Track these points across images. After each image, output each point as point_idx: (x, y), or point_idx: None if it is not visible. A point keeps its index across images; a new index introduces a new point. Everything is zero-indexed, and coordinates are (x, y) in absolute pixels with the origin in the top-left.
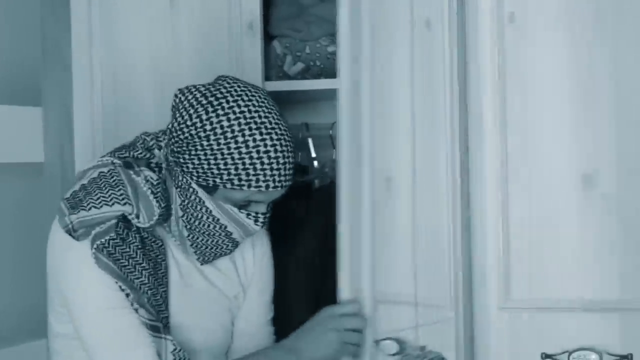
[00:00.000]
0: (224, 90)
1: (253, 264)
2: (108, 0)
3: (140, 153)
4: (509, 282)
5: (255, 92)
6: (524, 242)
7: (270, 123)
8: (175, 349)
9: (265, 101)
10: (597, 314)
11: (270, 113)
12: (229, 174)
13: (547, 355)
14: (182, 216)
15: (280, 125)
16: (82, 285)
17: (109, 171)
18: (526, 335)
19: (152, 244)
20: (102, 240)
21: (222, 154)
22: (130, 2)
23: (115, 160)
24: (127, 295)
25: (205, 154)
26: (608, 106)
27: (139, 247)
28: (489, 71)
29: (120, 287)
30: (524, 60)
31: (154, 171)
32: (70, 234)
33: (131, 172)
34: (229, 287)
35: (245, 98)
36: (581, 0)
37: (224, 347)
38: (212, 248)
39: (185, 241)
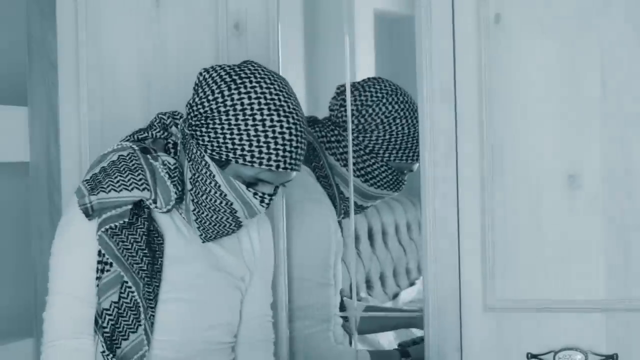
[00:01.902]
0: (247, 72)
1: (260, 248)
2: None
3: (158, 132)
4: (494, 283)
5: (277, 78)
6: (508, 242)
7: (289, 107)
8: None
9: (286, 87)
10: (582, 314)
11: (289, 99)
12: (242, 149)
13: (533, 355)
14: (191, 189)
15: (297, 112)
16: (65, 261)
17: (128, 155)
18: (512, 335)
19: (154, 237)
20: (113, 224)
21: (239, 129)
22: (116, 1)
23: (134, 145)
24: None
25: (222, 128)
26: (593, 106)
27: (145, 234)
28: (474, 71)
29: (103, 270)
30: (509, 61)
31: (169, 153)
32: (86, 214)
33: (149, 156)
34: (235, 267)
35: (268, 81)
36: (566, 1)
37: (232, 325)
38: (215, 225)
39: (190, 215)
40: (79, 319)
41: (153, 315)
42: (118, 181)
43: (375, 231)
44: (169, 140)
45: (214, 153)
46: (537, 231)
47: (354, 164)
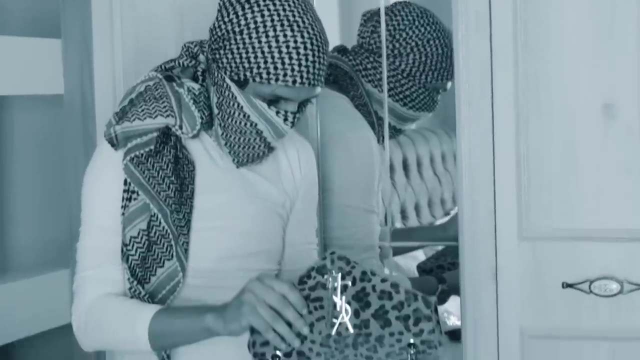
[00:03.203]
0: None
1: (300, 174)
2: None
3: (186, 60)
4: (529, 212)
5: None
6: (544, 171)
7: (304, 23)
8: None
9: (302, 4)
10: (618, 243)
11: (305, 14)
12: (258, 67)
13: (568, 284)
14: (218, 114)
15: (313, 26)
16: (94, 192)
17: (154, 84)
18: (547, 264)
19: (184, 165)
20: (138, 153)
21: (253, 47)
22: None
23: (160, 75)
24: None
25: (238, 48)
26: (629, 34)
27: (172, 161)
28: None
29: (130, 199)
30: None
31: (197, 81)
32: (112, 144)
33: (174, 84)
34: (274, 193)
35: None
36: None
37: (274, 252)
38: (244, 147)
39: (220, 140)
40: (109, 249)
41: (187, 242)
42: (142, 110)
43: (410, 162)
44: (198, 68)
45: (232, 74)
46: (573, 160)
47: (391, 89)
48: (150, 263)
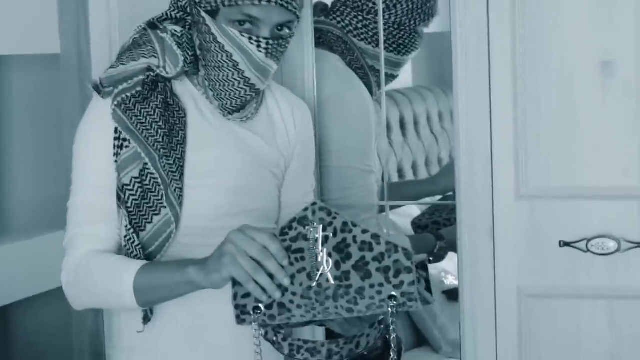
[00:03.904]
0: None
1: (295, 133)
2: None
3: (174, 11)
4: (526, 171)
5: None
6: (541, 130)
7: None
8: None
9: None
10: (615, 201)
11: None
12: None
13: (566, 243)
14: (200, 55)
15: None
16: (82, 149)
17: (139, 35)
18: (544, 223)
19: (175, 111)
20: (124, 96)
21: None
22: None
23: (143, 24)
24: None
25: None
26: None
27: (159, 107)
28: None
29: (121, 147)
30: None
31: (184, 27)
32: (97, 90)
33: (158, 31)
34: (267, 152)
35: None
36: None
37: (269, 211)
38: (225, 85)
39: (205, 85)
40: (100, 207)
41: (179, 189)
42: (127, 57)
43: (407, 121)
44: (187, 19)
45: (204, 3)
46: (571, 119)
47: (385, 41)
48: (145, 211)
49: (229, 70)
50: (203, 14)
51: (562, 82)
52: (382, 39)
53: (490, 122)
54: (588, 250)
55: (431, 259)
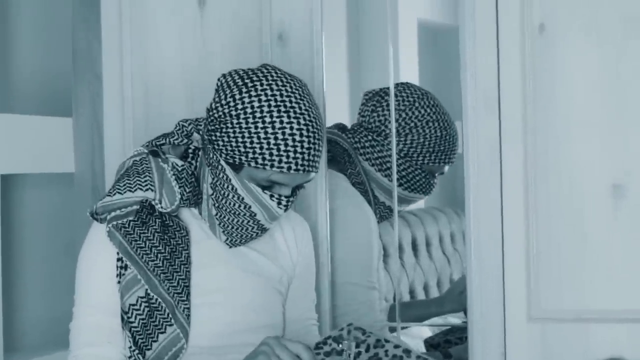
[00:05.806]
0: (260, 75)
1: (297, 251)
2: (138, 9)
3: (177, 139)
4: (538, 293)
5: (292, 80)
6: (552, 251)
7: (300, 109)
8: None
9: (300, 89)
10: (628, 324)
11: (302, 100)
12: (254, 152)
13: None
14: (212, 194)
15: (310, 112)
16: (83, 271)
17: (140, 159)
18: (556, 345)
19: (175, 232)
20: (122, 221)
21: (249, 132)
22: (160, 11)
23: (146, 150)
24: (134, 280)
25: (234, 132)
26: (638, 115)
27: (158, 231)
28: (518, 80)
29: (124, 268)
30: (554, 70)
31: (187, 158)
32: (92, 216)
33: (159, 159)
34: (270, 270)
35: (280, 83)
36: (610, 8)
37: (276, 327)
38: (238, 229)
39: (214, 220)
40: (100, 328)
41: (187, 309)
42: (124, 184)
43: (419, 242)
44: (190, 147)
45: (228, 157)
46: (582, 241)
47: (387, 168)
48: (151, 329)
49: (245, 217)
50: (223, 163)
51: (573, 202)
52: (394, 161)
53: (502, 242)
54: None
55: None
